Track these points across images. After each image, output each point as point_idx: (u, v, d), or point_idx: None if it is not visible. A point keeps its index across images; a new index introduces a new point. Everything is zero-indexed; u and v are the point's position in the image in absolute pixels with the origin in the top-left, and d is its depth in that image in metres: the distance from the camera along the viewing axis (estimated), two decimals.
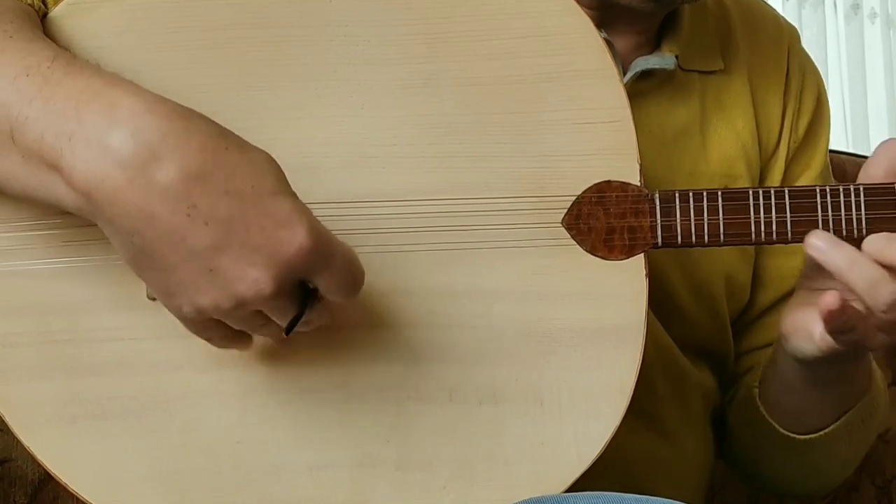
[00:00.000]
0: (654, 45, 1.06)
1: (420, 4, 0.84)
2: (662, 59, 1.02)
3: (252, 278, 0.72)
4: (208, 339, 0.79)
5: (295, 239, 0.72)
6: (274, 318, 0.76)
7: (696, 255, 1.01)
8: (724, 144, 1.05)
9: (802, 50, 1.15)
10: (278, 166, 0.74)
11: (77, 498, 0.82)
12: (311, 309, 0.76)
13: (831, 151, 1.16)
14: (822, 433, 1.01)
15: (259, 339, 0.82)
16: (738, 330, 1.11)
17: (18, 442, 0.83)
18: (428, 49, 0.84)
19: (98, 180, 0.71)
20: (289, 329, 0.76)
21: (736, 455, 1.13)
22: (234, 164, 0.72)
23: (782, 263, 1.08)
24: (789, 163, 1.10)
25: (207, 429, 0.83)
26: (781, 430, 1.02)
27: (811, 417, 1.01)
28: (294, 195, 0.74)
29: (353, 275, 0.76)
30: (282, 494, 0.82)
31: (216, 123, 0.74)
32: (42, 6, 0.84)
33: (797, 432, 1.01)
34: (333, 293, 0.76)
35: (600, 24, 1.01)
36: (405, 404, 0.83)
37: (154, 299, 0.82)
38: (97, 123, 0.71)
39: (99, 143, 0.71)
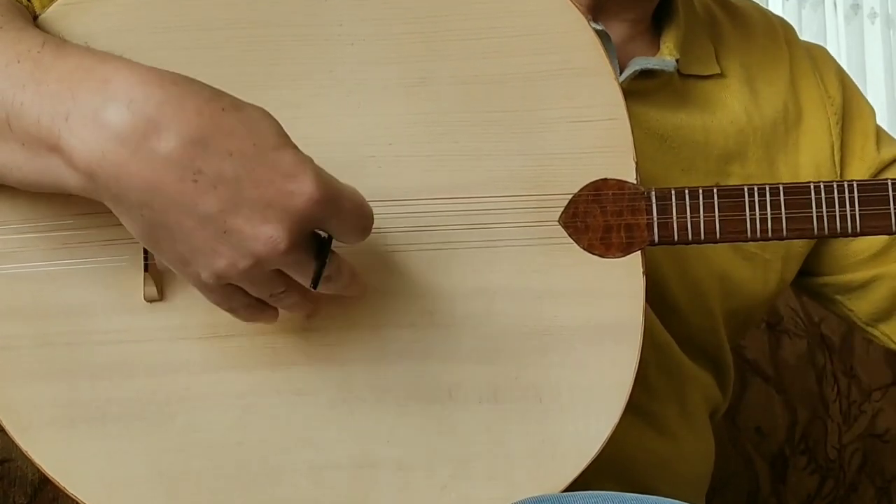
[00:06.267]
0: (650, 38, 1.06)
1: (415, 3, 0.84)
2: (663, 62, 1.02)
3: (266, 235, 0.72)
4: (232, 311, 0.79)
5: (304, 190, 0.72)
6: (294, 276, 0.76)
7: (689, 254, 1.01)
8: (727, 141, 1.05)
9: (801, 40, 1.14)
10: (276, 120, 0.75)
11: (76, 501, 0.82)
12: (330, 261, 0.76)
13: None
14: None
15: (261, 335, 0.82)
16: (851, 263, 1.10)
17: None
18: (424, 48, 0.84)
19: (99, 157, 0.71)
20: (314, 284, 0.76)
21: None
22: (233, 124, 0.72)
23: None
24: (844, 132, 1.09)
25: (207, 430, 0.82)
26: None
27: None
28: (295, 147, 0.74)
29: (362, 215, 0.76)
30: (282, 495, 0.82)
31: (209, 86, 0.74)
32: (31, 6, 0.84)
33: None
34: (347, 236, 0.76)
35: (594, 12, 1.01)
36: (405, 404, 0.83)
37: (152, 301, 0.82)
38: (92, 100, 0.71)
39: (95, 120, 0.71)
